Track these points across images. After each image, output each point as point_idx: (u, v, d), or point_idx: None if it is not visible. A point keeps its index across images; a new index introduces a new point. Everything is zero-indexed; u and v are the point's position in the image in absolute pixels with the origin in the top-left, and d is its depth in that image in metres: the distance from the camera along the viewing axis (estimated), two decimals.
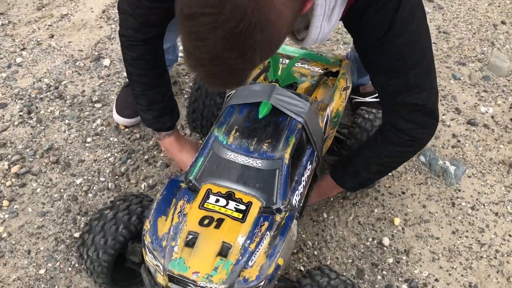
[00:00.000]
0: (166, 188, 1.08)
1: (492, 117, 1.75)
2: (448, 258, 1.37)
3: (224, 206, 1.02)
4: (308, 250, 1.37)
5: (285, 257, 1.01)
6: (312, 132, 1.16)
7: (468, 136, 1.68)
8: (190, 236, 0.97)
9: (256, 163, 1.05)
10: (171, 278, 0.97)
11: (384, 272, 1.33)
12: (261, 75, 1.34)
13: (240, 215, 1.00)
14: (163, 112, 1.32)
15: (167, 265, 0.95)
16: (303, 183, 1.15)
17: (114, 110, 1.66)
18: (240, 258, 0.95)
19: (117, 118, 1.65)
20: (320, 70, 1.41)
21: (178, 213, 1.02)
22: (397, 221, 1.44)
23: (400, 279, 1.32)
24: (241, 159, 1.05)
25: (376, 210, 1.47)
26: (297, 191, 1.11)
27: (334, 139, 1.42)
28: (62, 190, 1.48)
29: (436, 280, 1.32)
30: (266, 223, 1.00)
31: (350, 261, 1.35)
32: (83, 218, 1.41)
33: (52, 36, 2.00)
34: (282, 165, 1.05)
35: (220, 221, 0.99)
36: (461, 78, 1.89)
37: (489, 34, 2.10)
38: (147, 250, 1.01)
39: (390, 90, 1.08)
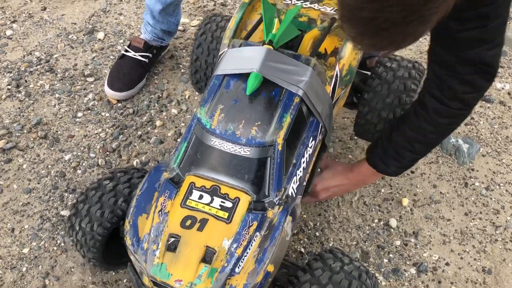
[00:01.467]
0: (147, 179, 0.96)
1: (509, 93, 1.64)
2: (460, 241, 1.27)
3: (208, 204, 0.90)
4: (309, 231, 1.28)
5: (276, 261, 0.90)
6: (315, 102, 0.99)
7: (483, 113, 1.57)
8: (172, 239, 0.87)
9: (244, 151, 0.90)
10: (155, 283, 0.88)
11: (390, 255, 1.24)
12: (259, 24, 1.12)
13: (226, 214, 0.88)
14: None
15: (149, 270, 0.86)
16: (303, 165, 1.00)
17: (105, 83, 1.58)
18: (226, 264, 0.84)
19: (108, 91, 1.56)
20: (333, 11, 1.15)
21: (159, 211, 0.91)
22: (405, 201, 1.34)
23: (408, 262, 1.23)
24: (227, 146, 0.91)
25: (383, 190, 1.37)
26: (294, 177, 0.97)
27: (353, 90, 1.23)
28: (49, 166, 1.40)
29: (447, 264, 1.23)
30: (255, 223, 0.88)
31: (354, 243, 1.26)
32: (70, 196, 1.33)
33: (44, 9, 1.91)
34: (275, 152, 0.91)
35: (203, 222, 0.88)
36: None
37: None
38: (129, 251, 0.92)
39: (459, 42, 0.89)
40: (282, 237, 0.89)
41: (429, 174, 1.41)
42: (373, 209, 1.33)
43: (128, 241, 0.91)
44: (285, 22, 1.03)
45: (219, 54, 1.12)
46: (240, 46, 1.02)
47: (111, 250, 1.07)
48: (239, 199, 0.90)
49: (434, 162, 1.44)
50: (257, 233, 0.87)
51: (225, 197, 0.90)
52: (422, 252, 1.25)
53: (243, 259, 0.85)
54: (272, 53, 0.96)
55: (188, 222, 0.88)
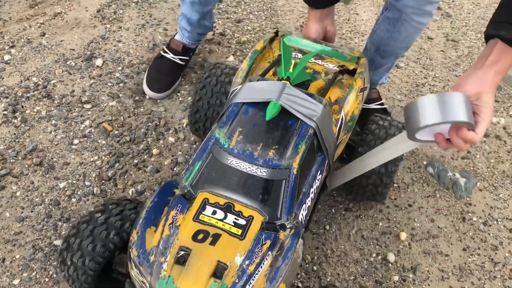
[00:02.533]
0: (157, 194, 0.96)
1: (504, 128, 1.65)
2: (459, 277, 1.26)
3: (221, 220, 0.90)
4: (307, 265, 1.26)
5: (288, 281, 0.89)
6: (325, 138, 1.04)
7: (479, 148, 1.58)
8: (182, 252, 0.86)
9: (260, 171, 0.93)
10: None
11: None
12: (270, 70, 1.22)
13: (239, 231, 0.89)
14: None
15: (154, 283, 0.84)
16: (312, 195, 1.03)
17: (144, 82, 1.68)
18: (237, 280, 0.83)
19: (148, 91, 1.67)
20: (335, 67, 1.28)
21: (170, 224, 0.90)
22: (403, 235, 1.33)
23: None
24: (244, 166, 0.94)
25: (380, 224, 1.36)
26: (304, 205, 0.99)
27: (345, 146, 1.31)
28: (43, 194, 1.38)
29: None
30: (268, 242, 0.88)
31: (352, 278, 1.24)
32: (64, 225, 1.31)
33: (43, 34, 1.92)
34: (290, 175, 0.94)
35: (216, 237, 0.87)
36: None
37: None
38: (132, 264, 0.89)
39: None
40: (294, 258, 0.90)
41: (427, 208, 1.41)
42: (371, 243, 1.32)
43: (133, 253, 0.89)
44: (301, 63, 1.16)
45: (231, 91, 1.17)
46: (258, 80, 1.09)
47: (103, 284, 1.05)
48: (253, 218, 0.91)
49: (432, 196, 1.44)
50: (270, 252, 0.87)
51: (239, 214, 0.91)
52: None
53: (255, 277, 0.84)
54: (289, 87, 1.04)
55: (200, 236, 0.87)
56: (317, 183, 1.05)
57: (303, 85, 1.17)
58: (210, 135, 1.02)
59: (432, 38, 2.02)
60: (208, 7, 1.59)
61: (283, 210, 0.93)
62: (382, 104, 1.61)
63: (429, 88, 1.78)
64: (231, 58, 1.86)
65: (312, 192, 1.03)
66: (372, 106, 1.59)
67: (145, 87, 1.68)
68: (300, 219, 0.97)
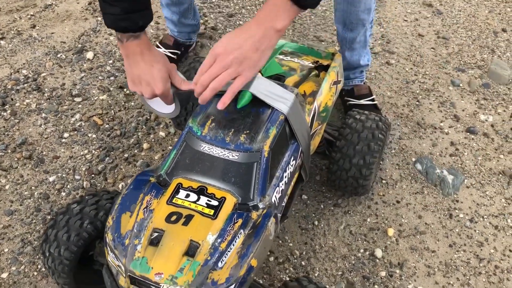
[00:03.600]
0: (133, 182, 0.99)
1: (492, 125, 1.67)
2: (445, 273, 1.28)
3: (194, 202, 0.93)
4: (295, 260, 1.27)
5: (260, 257, 0.92)
6: (296, 125, 1.07)
7: (467, 145, 1.60)
8: (155, 234, 0.88)
9: (232, 155, 0.96)
10: (133, 280, 0.87)
11: (376, 286, 1.24)
12: None
13: (212, 211, 0.91)
14: (135, 5, 1.03)
15: (128, 265, 0.86)
16: (285, 179, 1.05)
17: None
18: (209, 258, 0.86)
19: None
20: (310, 64, 1.32)
21: (144, 208, 0.93)
22: (391, 231, 1.35)
23: None
24: (216, 151, 0.97)
25: (369, 220, 1.38)
26: (277, 188, 1.02)
27: (325, 141, 1.33)
28: (33, 188, 1.37)
29: None
30: (240, 221, 0.91)
31: (340, 273, 1.26)
32: None
33: (34, 26, 1.90)
34: (261, 158, 0.97)
35: (189, 218, 0.90)
36: (460, 85, 1.82)
37: (489, 41, 2.03)
38: (108, 249, 0.92)
39: None
40: (266, 235, 0.92)
41: (415, 205, 1.42)
42: (359, 239, 1.33)
43: (109, 237, 0.91)
44: (272, 56, 1.15)
45: None
46: None
47: (86, 276, 1.06)
48: (225, 199, 0.93)
49: (420, 192, 1.45)
50: (241, 231, 0.90)
51: (211, 196, 0.94)
52: (407, 283, 1.25)
53: (227, 254, 0.87)
54: (260, 77, 1.05)
55: (173, 218, 0.90)
56: (290, 168, 1.08)
57: (280, 82, 1.19)
58: (185, 126, 1.04)
59: (423, 35, 2.03)
60: (183, 5, 1.60)
61: (255, 192, 0.96)
62: (373, 100, 1.62)
63: (419, 85, 1.80)
64: None
65: (285, 177, 1.06)
66: (363, 102, 1.60)
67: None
68: (273, 201, 1.00)
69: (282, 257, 1.28)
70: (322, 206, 1.40)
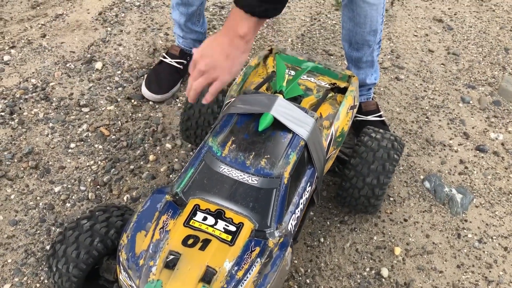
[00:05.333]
0: (149, 200, 0.98)
1: (503, 144, 1.65)
2: None
3: (212, 226, 0.91)
4: (300, 278, 1.26)
5: None
6: (315, 151, 1.07)
7: (477, 163, 1.58)
8: (171, 257, 0.87)
9: (252, 180, 0.96)
10: None
11: None
12: (264, 85, 1.25)
13: (229, 237, 0.90)
14: None
15: (142, 287, 0.84)
16: (301, 206, 1.04)
17: (143, 84, 1.70)
18: (226, 286, 0.84)
19: (145, 92, 1.68)
20: (326, 85, 1.31)
21: (160, 229, 0.91)
22: (397, 250, 1.33)
23: None
24: (236, 174, 0.96)
25: (375, 238, 1.36)
26: (293, 215, 1.00)
27: (336, 159, 1.32)
28: (38, 198, 1.37)
29: None
30: (258, 249, 0.89)
31: None
32: (58, 230, 1.30)
33: (44, 36, 1.91)
34: (280, 184, 0.96)
35: (206, 242, 0.89)
36: (470, 102, 1.80)
37: (500, 58, 2.01)
38: (121, 267, 0.90)
39: None
40: (283, 265, 0.91)
41: (422, 223, 1.40)
42: (365, 257, 1.31)
43: (123, 256, 0.90)
44: (295, 78, 1.19)
45: (225, 102, 1.20)
46: (252, 93, 1.12)
47: None
48: (243, 225, 0.92)
49: (427, 211, 1.43)
50: (258, 259, 0.88)
51: (229, 221, 0.93)
52: None
53: (243, 283, 0.85)
54: (282, 100, 1.06)
55: (191, 241, 0.89)
56: (306, 195, 1.07)
57: (295, 101, 1.19)
58: (203, 144, 1.04)
59: (433, 51, 2.02)
60: (192, 8, 1.61)
61: (272, 219, 0.95)
62: (380, 116, 1.61)
63: (429, 101, 1.78)
64: None
65: (301, 203, 1.05)
66: (370, 118, 1.59)
67: (143, 88, 1.68)
68: (289, 228, 0.98)
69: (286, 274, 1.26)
70: (328, 222, 1.39)
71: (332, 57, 1.94)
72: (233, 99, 1.16)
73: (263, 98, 1.08)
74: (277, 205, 0.95)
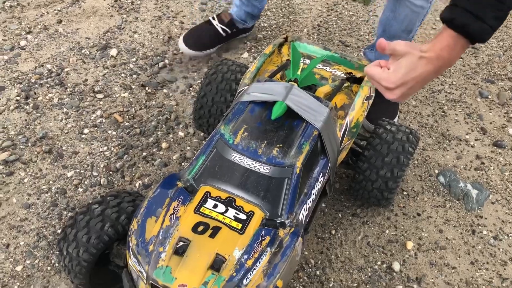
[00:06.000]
0: (160, 185, 0.97)
1: None
2: None
3: (222, 213, 0.91)
4: (310, 269, 1.25)
5: (286, 278, 0.89)
6: (329, 141, 1.05)
7: (494, 159, 1.55)
8: (181, 243, 0.86)
9: (263, 168, 0.95)
10: None
11: None
12: (278, 73, 1.24)
13: (239, 225, 0.89)
14: None
15: (151, 272, 0.84)
16: (313, 196, 1.03)
17: (181, 37, 1.74)
18: (235, 274, 0.83)
19: (181, 44, 1.73)
20: (342, 75, 1.29)
21: (171, 215, 0.91)
22: (410, 245, 1.31)
23: None
24: (247, 162, 0.95)
25: (387, 231, 1.34)
26: (305, 205, 0.99)
27: (350, 151, 1.30)
28: (51, 182, 1.38)
29: None
30: (268, 238, 0.88)
31: (355, 285, 1.23)
32: (69, 214, 1.31)
33: (60, 22, 1.92)
34: (292, 174, 0.95)
35: (216, 230, 0.88)
36: (489, 97, 1.76)
37: None
38: (131, 253, 0.90)
39: None
40: (293, 256, 0.89)
41: (436, 218, 1.38)
42: (377, 251, 1.30)
43: (133, 241, 0.89)
44: (310, 66, 1.17)
45: (238, 90, 1.19)
46: (265, 81, 1.11)
47: (100, 276, 1.05)
48: (253, 213, 0.91)
49: (442, 206, 1.41)
50: (268, 248, 0.87)
51: (239, 209, 0.92)
52: None
53: (252, 272, 0.84)
54: (296, 89, 1.05)
55: (201, 228, 0.88)
56: (318, 185, 1.05)
57: (310, 91, 1.18)
58: (215, 131, 1.03)
59: None
60: None
61: (284, 208, 0.94)
62: None
63: (445, 95, 1.75)
64: (245, 54, 1.84)
65: (313, 194, 1.03)
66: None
67: (180, 41, 1.73)
68: (300, 218, 0.97)
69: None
70: (340, 215, 1.37)
71: (348, 48, 1.92)
72: (246, 87, 1.15)
73: (277, 87, 1.07)
74: (288, 195, 0.94)
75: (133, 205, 1.03)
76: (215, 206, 0.92)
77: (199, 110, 1.37)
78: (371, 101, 1.27)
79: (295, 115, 1.03)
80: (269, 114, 1.03)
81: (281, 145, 0.97)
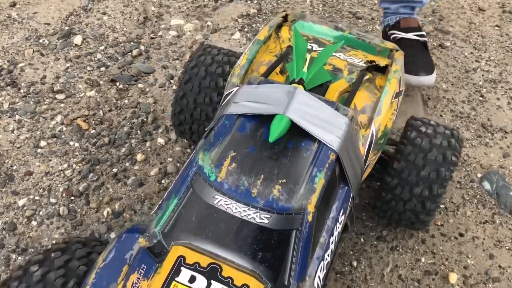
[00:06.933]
0: (115, 246, 0.69)
1: None
2: None
3: None
4: None
5: None
6: (350, 164, 0.77)
7: None
8: None
9: (261, 217, 0.66)
10: None
11: None
12: (277, 66, 0.93)
13: None
14: None
15: None
16: (332, 246, 0.75)
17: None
18: None
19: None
20: (361, 63, 0.98)
21: None
22: (453, 277, 1.03)
23: None
24: (237, 208, 0.67)
25: (423, 259, 1.06)
26: (321, 262, 0.71)
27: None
28: None
29: None
30: None
31: None
32: (19, 258, 1.03)
33: (14, 5, 1.60)
34: (303, 223, 0.67)
35: None
36: None
37: None
38: None
39: None
40: None
41: (483, 239, 1.09)
42: (411, 286, 1.02)
43: None
44: (320, 59, 0.86)
45: (225, 94, 0.89)
46: (259, 83, 0.81)
47: None
48: (249, 287, 0.63)
49: (489, 221, 1.12)
50: None
51: (228, 283, 0.64)
52: None
53: None
54: (303, 94, 0.76)
55: None
56: (338, 228, 0.77)
57: (320, 88, 0.87)
58: (192, 159, 0.74)
59: (484, 10, 1.65)
60: None
61: (292, 274, 0.66)
62: (422, 35, 1.35)
63: (482, 75, 1.44)
64: (237, 35, 1.52)
65: (332, 242, 0.75)
66: (411, 35, 1.33)
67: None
68: (316, 284, 0.69)
69: None
70: (362, 239, 1.09)
71: (360, 20, 1.59)
72: (235, 88, 0.86)
73: (276, 91, 0.77)
74: (298, 254, 0.66)
75: (87, 261, 0.75)
76: (192, 279, 0.64)
77: (179, 114, 1.07)
78: (401, 98, 0.97)
79: (302, 132, 0.74)
80: (266, 133, 0.74)
81: (284, 180, 0.68)
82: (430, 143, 0.93)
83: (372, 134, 0.85)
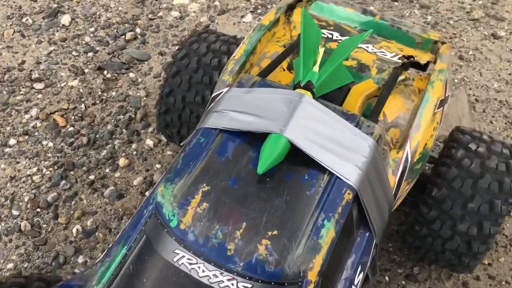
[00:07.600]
0: None
1: None
2: None
3: None
4: None
5: None
6: (373, 203, 0.57)
7: None
8: None
9: (238, 286, 0.47)
10: None
11: None
12: (283, 60, 0.73)
13: None
14: None
15: None
16: None
17: None
18: None
19: None
20: (395, 58, 0.75)
21: None
22: None
23: None
24: (205, 271, 0.48)
25: None
26: None
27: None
28: None
29: None
30: None
31: None
32: None
33: None
34: None
35: None
36: None
37: None
38: None
39: None
40: None
41: None
42: None
43: None
44: (338, 55, 0.65)
45: (213, 95, 0.70)
46: (252, 85, 0.62)
47: None
48: None
49: None
50: None
51: None
52: None
53: None
54: (310, 104, 0.56)
55: None
56: None
57: (338, 92, 0.67)
58: (148, 197, 0.53)
59: None
60: None
61: None
62: None
63: None
64: (248, 17, 1.31)
65: None
66: None
67: None
68: None
69: None
70: (387, 278, 0.88)
71: (396, 3, 1.35)
72: (225, 89, 0.65)
73: (274, 99, 0.57)
74: None
75: None
76: None
77: (164, 115, 0.88)
78: (446, 106, 0.74)
79: (306, 160, 0.53)
80: (255, 159, 0.53)
81: (276, 231, 0.49)
82: (482, 166, 0.71)
83: (407, 158, 0.63)
